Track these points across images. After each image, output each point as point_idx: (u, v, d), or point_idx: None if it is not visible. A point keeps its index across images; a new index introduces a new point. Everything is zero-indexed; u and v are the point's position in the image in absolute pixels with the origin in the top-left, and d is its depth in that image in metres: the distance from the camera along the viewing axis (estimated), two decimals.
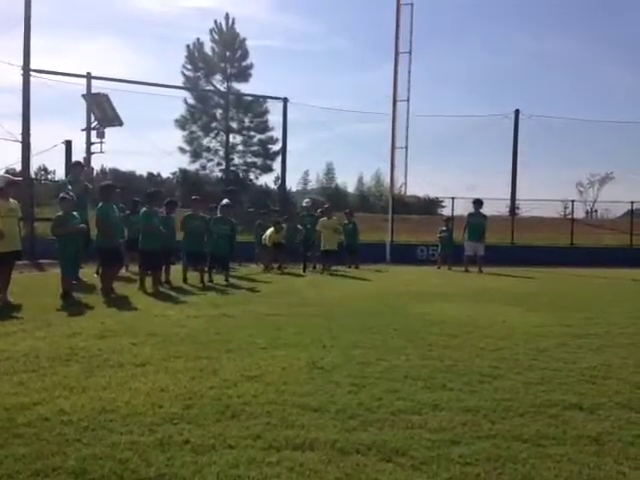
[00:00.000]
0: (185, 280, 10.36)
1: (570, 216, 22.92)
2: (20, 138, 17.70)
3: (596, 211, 36.78)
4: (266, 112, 32.85)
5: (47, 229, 8.23)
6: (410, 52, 18.65)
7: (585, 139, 64.01)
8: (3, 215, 7.50)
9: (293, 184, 56.23)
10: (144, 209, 9.86)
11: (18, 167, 18.73)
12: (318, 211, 15.42)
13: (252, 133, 34.23)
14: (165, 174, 44.27)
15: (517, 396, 3.86)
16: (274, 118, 31.23)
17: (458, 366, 4.62)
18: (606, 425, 3.36)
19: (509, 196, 24.65)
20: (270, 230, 14.11)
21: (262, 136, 33.98)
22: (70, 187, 9.74)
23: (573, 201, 23.95)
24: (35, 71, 18.13)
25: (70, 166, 11.74)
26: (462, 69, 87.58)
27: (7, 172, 23.68)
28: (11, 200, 7.83)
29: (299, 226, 14.74)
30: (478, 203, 15.41)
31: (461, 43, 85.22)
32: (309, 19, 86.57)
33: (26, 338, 5.36)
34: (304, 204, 15.84)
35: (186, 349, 5.03)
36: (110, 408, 3.47)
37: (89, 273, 10.11)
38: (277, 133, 30.05)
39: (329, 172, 63.40)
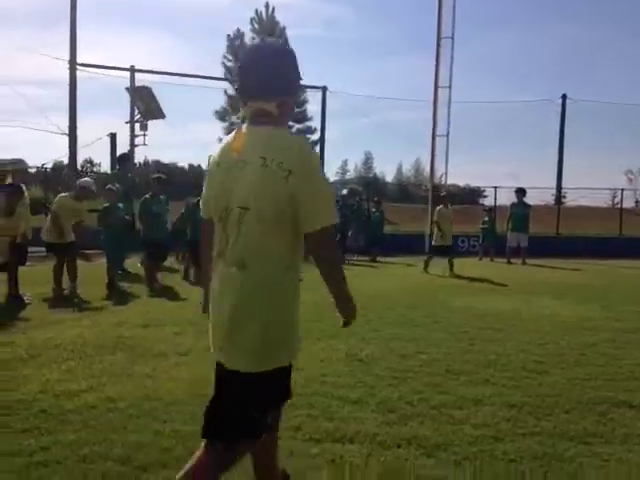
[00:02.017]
0: None
1: (619, 205, 22.13)
2: (67, 131, 18.20)
3: None
4: (305, 102, 32.89)
5: (93, 220, 8.46)
6: (453, 37, 18.23)
7: (635, 125, 61.70)
8: (68, 215, 7.76)
9: (331, 174, 56.14)
10: (193, 201, 10.10)
11: (65, 160, 19.29)
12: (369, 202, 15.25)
13: (290, 123, 34.34)
14: (205, 166, 44.88)
15: (563, 392, 3.76)
16: (312, 107, 31.27)
17: (501, 360, 4.53)
18: None
19: (554, 185, 23.90)
20: None
21: (300, 126, 34.05)
22: (119, 179, 9.99)
23: (622, 189, 23.11)
24: (81, 65, 18.57)
25: (118, 159, 12.02)
26: (504, 55, 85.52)
27: (55, 164, 24.41)
28: (85, 202, 8.09)
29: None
30: (521, 192, 15.05)
31: (503, 29, 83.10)
32: (348, 7, 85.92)
33: (74, 327, 5.53)
34: (344, 192, 15.61)
35: None
36: (154, 396, 3.55)
37: (134, 263, 10.33)
38: (315, 122, 30.04)
39: (367, 161, 63.02)
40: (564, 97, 22.81)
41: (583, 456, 2.81)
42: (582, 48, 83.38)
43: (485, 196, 31.21)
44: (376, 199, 16.89)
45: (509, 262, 14.26)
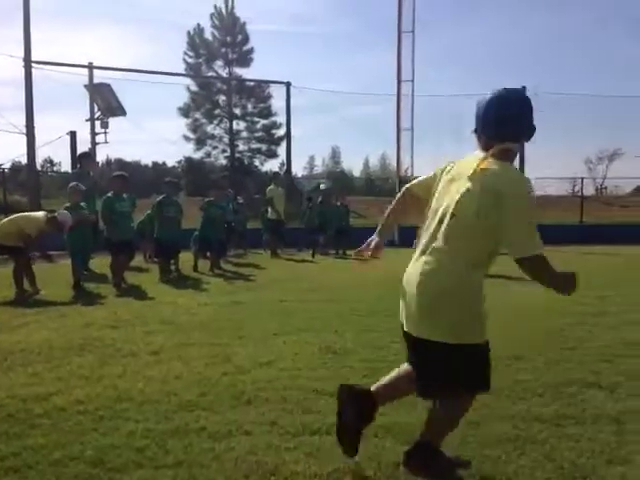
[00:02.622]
0: (196, 268, 10.35)
1: (579, 193, 22.71)
2: (24, 130, 17.65)
3: (605, 188, 36.49)
4: (269, 97, 32.72)
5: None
6: (413, 31, 18.36)
7: (594, 115, 63.61)
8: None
9: (299, 169, 56.15)
10: (159, 198, 9.95)
11: (23, 160, 18.72)
12: None
13: (256, 119, 34.12)
14: (170, 163, 44.33)
15: (535, 376, 3.83)
16: (277, 103, 31.01)
17: None
18: (626, 404, 3.32)
19: None
20: (270, 187, 13.83)
21: (266, 121, 33.87)
22: (80, 179, 9.72)
23: (582, 178, 23.73)
24: (36, 62, 18.00)
25: (79, 157, 11.66)
26: (475, 46, 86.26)
27: (13, 165, 23.67)
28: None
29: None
30: None
31: (473, 19, 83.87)
32: (314, 1, 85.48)
33: (39, 329, 5.38)
34: (322, 187, 15.36)
35: (198, 336, 5.03)
36: (125, 397, 3.47)
37: (99, 264, 10.12)
38: (281, 118, 29.86)
39: (335, 156, 63.18)
40: (523, 89, 23.23)
41: (556, 437, 2.87)
42: (547, 37, 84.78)
43: None
44: (340, 193, 16.50)
45: None
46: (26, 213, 8.26)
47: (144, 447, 2.76)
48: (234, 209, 13.39)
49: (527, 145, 19.55)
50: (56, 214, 7.82)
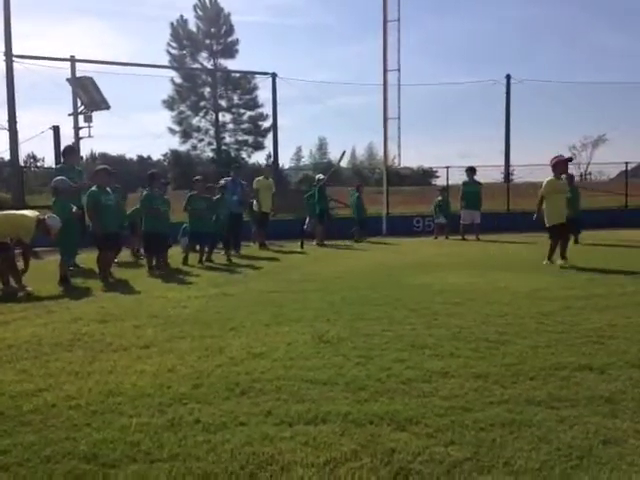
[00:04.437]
0: (185, 261, 10.27)
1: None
2: (6, 126, 17.37)
3: (590, 174, 36.79)
4: (255, 88, 32.65)
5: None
6: (399, 20, 18.28)
7: (577, 102, 64.17)
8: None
9: (286, 161, 55.83)
10: (145, 191, 9.82)
11: (6, 156, 18.46)
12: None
13: (242, 110, 34.01)
14: (156, 156, 44.01)
15: (526, 360, 3.85)
16: (263, 94, 30.98)
17: (464, 333, 4.60)
18: (618, 384, 3.35)
19: (503, 162, 24.45)
20: (258, 179, 13.83)
21: (252, 113, 33.78)
22: (64, 173, 9.57)
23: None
24: (17, 57, 17.71)
25: (63, 151, 11.46)
26: (454, 37, 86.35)
27: None
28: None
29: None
30: (472, 171, 15.39)
31: (450, 11, 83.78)
32: None
33: (27, 325, 5.30)
34: (319, 177, 15.30)
35: (190, 329, 4.98)
36: (117, 391, 3.43)
37: (86, 258, 10.01)
38: (267, 109, 29.80)
39: (322, 147, 62.84)
40: (508, 77, 23.21)
41: (551, 420, 2.87)
42: (528, 28, 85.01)
43: (437, 176, 31.67)
44: (359, 183, 17.05)
45: (463, 239, 14.56)
46: (18, 213, 8.02)
47: (138, 441, 2.73)
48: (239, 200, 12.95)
49: (512, 133, 19.30)
50: (46, 217, 7.67)
